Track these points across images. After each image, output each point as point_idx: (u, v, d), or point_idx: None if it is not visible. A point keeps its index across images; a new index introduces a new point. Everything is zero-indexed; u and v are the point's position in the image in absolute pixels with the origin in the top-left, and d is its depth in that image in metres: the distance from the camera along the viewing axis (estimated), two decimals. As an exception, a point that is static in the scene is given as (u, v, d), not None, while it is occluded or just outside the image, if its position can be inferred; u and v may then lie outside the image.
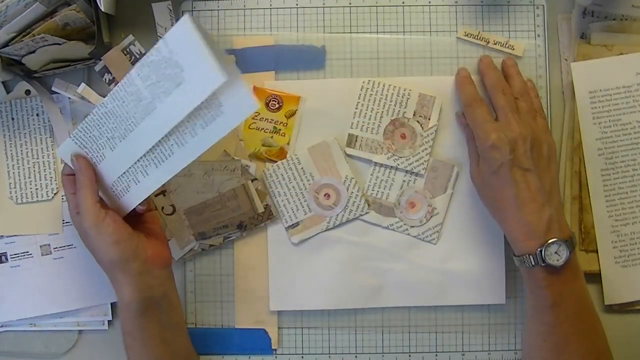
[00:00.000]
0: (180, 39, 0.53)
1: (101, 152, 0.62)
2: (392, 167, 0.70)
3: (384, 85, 0.70)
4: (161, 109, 0.56)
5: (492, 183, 0.63)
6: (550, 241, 0.59)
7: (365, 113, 0.70)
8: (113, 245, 0.60)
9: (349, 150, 0.70)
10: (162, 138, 0.57)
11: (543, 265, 0.59)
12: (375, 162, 0.70)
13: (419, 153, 0.70)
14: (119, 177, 0.62)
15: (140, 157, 0.59)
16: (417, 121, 0.70)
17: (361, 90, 0.70)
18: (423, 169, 0.70)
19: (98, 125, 0.61)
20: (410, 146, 0.70)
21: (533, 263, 0.60)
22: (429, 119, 0.70)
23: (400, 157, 0.70)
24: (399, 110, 0.70)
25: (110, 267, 0.62)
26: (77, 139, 0.62)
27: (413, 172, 0.70)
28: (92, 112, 0.60)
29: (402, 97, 0.70)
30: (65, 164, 0.64)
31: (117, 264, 0.61)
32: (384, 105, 0.70)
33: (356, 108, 0.70)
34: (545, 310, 0.60)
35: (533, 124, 0.64)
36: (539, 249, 0.59)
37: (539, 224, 0.60)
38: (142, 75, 0.56)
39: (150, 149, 0.58)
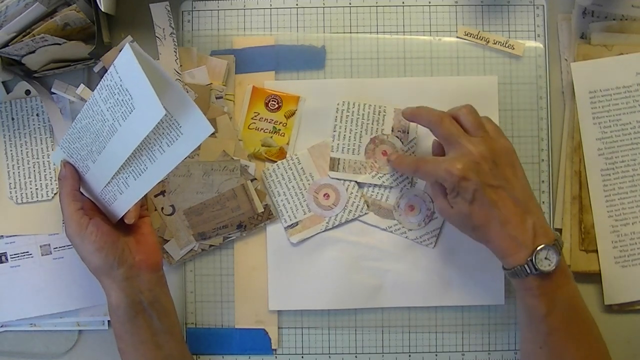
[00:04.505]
0: (125, 68, 0.54)
1: (85, 163, 0.62)
2: (377, 185, 0.70)
3: (359, 105, 0.70)
4: (121, 130, 0.57)
5: (471, 212, 0.60)
6: (538, 248, 0.59)
7: (345, 135, 0.70)
8: (96, 252, 0.61)
9: (333, 174, 0.70)
10: (135, 153, 0.58)
11: (536, 274, 0.59)
12: (360, 182, 0.70)
13: (402, 168, 0.70)
14: (105, 187, 0.62)
15: (120, 170, 0.60)
16: (397, 136, 0.70)
17: (337, 112, 0.70)
18: (408, 183, 0.70)
19: (78, 139, 0.61)
20: None
21: (527, 273, 0.59)
22: (408, 133, 0.70)
23: (385, 174, 0.70)
24: (376, 128, 0.70)
25: (96, 273, 0.62)
26: (64, 148, 0.63)
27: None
28: (71, 125, 0.61)
29: (378, 114, 0.70)
30: (61, 168, 0.65)
31: (102, 270, 0.61)
32: (362, 125, 0.70)
33: (334, 131, 0.70)
34: (539, 319, 0.60)
35: (484, 135, 0.61)
36: (529, 258, 0.59)
37: (525, 235, 0.59)
38: (102, 98, 0.57)
39: (127, 163, 0.59)
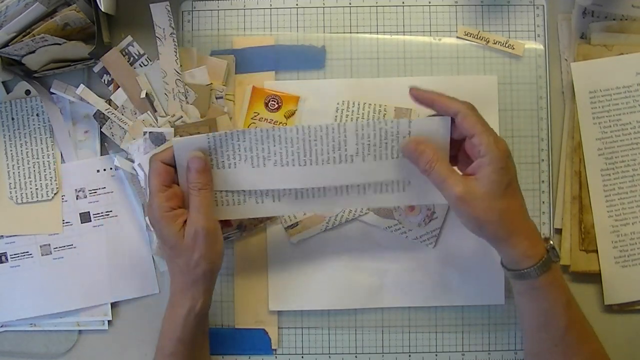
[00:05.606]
0: (431, 131, 0.59)
1: (231, 161, 0.60)
2: None
3: (359, 105, 0.70)
4: (364, 165, 0.60)
5: (503, 197, 0.56)
6: (550, 240, 0.59)
7: None
8: (221, 254, 0.60)
9: None
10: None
11: (556, 262, 0.58)
12: None
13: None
14: (243, 190, 0.61)
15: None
16: None
17: (337, 112, 0.70)
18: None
19: (258, 141, 0.60)
20: None
21: (551, 261, 0.57)
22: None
23: None
24: None
25: (203, 277, 0.59)
26: (212, 141, 0.60)
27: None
28: (261, 129, 0.59)
29: (379, 113, 0.70)
30: (161, 151, 0.61)
31: (213, 274, 0.60)
32: None
33: None
34: (559, 312, 0.58)
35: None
36: (547, 248, 0.58)
37: (536, 228, 0.59)
38: (359, 133, 0.59)
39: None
